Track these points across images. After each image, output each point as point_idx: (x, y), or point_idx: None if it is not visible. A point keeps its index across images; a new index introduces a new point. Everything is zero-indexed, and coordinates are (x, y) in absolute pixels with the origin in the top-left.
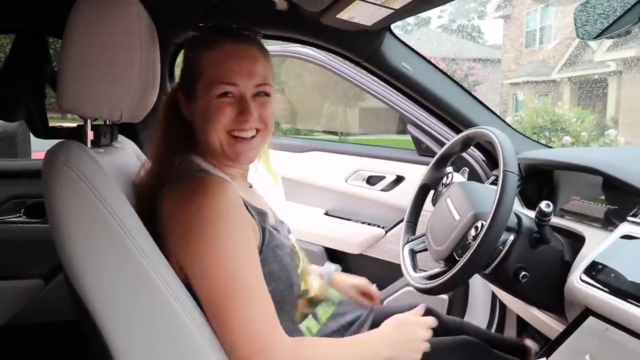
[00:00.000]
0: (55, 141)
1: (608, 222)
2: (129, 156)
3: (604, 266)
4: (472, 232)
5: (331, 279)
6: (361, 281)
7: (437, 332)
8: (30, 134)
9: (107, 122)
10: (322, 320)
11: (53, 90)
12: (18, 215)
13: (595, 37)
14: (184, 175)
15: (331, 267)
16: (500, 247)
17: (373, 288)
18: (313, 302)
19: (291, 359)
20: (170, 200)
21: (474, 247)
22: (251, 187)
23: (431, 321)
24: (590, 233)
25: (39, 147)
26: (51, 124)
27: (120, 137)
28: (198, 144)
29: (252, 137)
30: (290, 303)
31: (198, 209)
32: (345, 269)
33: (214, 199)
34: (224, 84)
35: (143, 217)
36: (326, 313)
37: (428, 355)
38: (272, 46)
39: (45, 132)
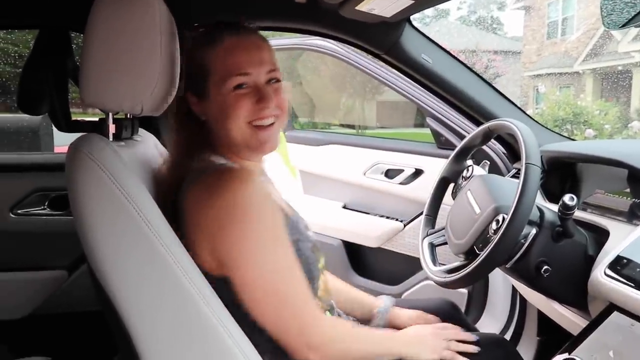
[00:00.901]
0: (77, 135)
1: (633, 216)
2: (150, 149)
3: (629, 261)
4: (493, 225)
5: (389, 313)
6: (417, 314)
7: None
8: (54, 128)
9: (128, 116)
10: None
11: (75, 85)
12: (42, 207)
13: (622, 27)
14: (206, 169)
15: (388, 301)
16: (522, 241)
17: (431, 317)
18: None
19: (329, 334)
20: (198, 193)
21: (495, 241)
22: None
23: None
24: (614, 227)
25: (62, 141)
26: (74, 118)
27: (141, 131)
28: (214, 141)
29: (272, 124)
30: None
31: (234, 196)
32: (364, 263)
33: (247, 188)
34: (237, 76)
35: (164, 213)
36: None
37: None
38: (290, 39)
39: (68, 126)
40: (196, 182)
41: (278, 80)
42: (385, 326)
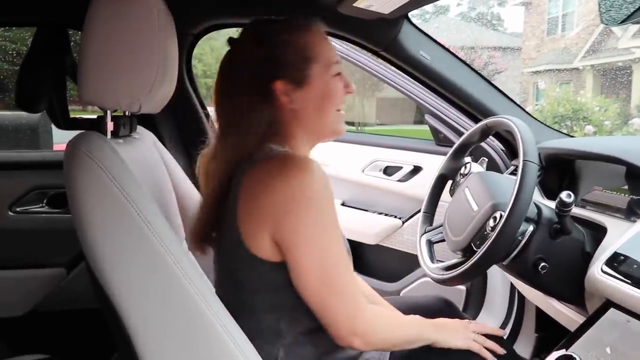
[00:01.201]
0: (76, 133)
1: (631, 213)
2: (148, 146)
3: (626, 257)
4: (491, 222)
5: None
6: None
7: None
8: (52, 125)
9: (127, 113)
10: None
11: (74, 82)
12: (41, 205)
13: (620, 23)
14: (267, 155)
15: None
16: (520, 237)
17: None
18: None
19: (373, 322)
20: (258, 178)
21: (493, 238)
22: None
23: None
24: (612, 224)
25: (60, 139)
26: (72, 115)
27: (139, 128)
28: (285, 133)
29: None
30: None
31: (298, 184)
32: (362, 260)
33: (310, 175)
34: (336, 64)
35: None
36: None
37: (450, 348)
38: None
39: (66, 123)
40: (255, 166)
41: None
42: None
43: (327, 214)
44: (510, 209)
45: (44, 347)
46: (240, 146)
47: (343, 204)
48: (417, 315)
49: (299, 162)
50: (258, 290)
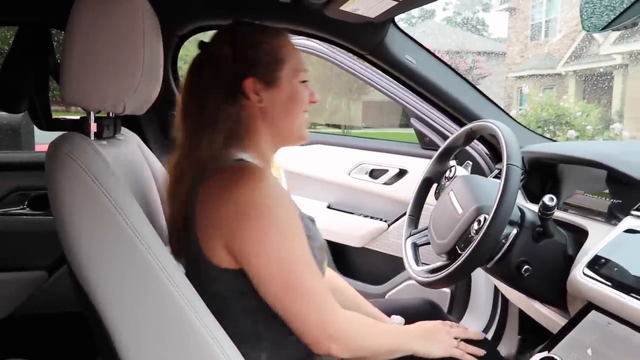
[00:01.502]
0: (58, 134)
1: (612, 216)
2: (132, 148)
3: (607, 260)
4: (475, 225)
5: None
6: None
7: None
8: (34, 126)
9: (111, 115)
10: None
11: (56, 83)
12: (22, 207)
13: (602, 30)
14: (225, 164)
15: (399, 321)
16: (503, 240)
17: None
18: None
19: (349, 327)
20: (214, 189)
21: (477, 241)
22: None
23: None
24: (593, 227)
25: (43, 140)
26: (55, 116)
27: (124, 130)
28: (252, 132)
29: None
30: None
31: (252, 191)
32: (348, 262)
33: (265, 184)
34: (304, 70)
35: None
36: None
37: None
38: None
39: (49, 124)
40: (212, 177)
41: None
42: None
43: (283, 221)
44: (495, 212)
45: (25, 351)
46: (205, 148)
47: (329, 207)
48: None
49: (252, 173)
50: (228, 297)
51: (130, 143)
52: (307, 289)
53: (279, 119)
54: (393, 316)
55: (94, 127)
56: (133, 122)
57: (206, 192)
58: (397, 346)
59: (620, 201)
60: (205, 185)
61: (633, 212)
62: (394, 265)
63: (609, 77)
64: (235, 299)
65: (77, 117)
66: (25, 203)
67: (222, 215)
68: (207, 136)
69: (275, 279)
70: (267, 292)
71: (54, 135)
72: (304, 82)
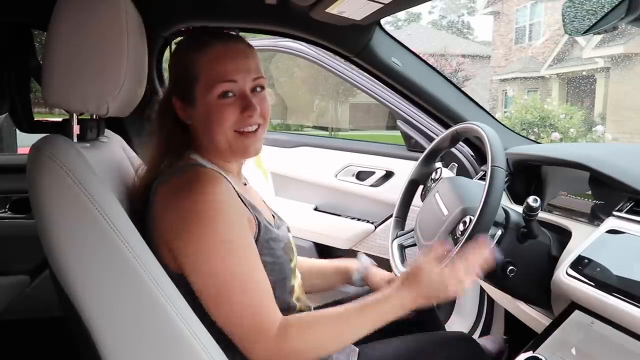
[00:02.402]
0: (41, 136)
1: (594, 217)
2: (116, 150)
3: (590, 260)
4: (460, 226)
5: (367, 272)
6: (391, 275)
7: (428, 326)
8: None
9: (94, 117)
10: None
11: (38, 84)
12: (3, 210)
13: (584, 33)
14: (179, 168)
15: (367, 261)
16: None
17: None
18: (300, 300)
19: (280, 346)
20: (165, 191)
21: (463, 242)
22: (246, 184)
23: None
24: (577, 228)
25: (26, 142)
26: (38, 118)
27: (107, 132)
28: (196, 143)
29: (256, 130)
30: (282, 297)
31: (195, 199)
32: None
33: (211, 190)
34: (223, 82)
35: (134, 211)
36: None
37: (420, 349)
38: (261, 40)
39: (30, 126)
40: (168, 180)
41: (263, 88)
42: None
43: (220, 233)
44: (479, 213)
45: (6, 357)
46: (158, 158)
47: (316, 209)
48: (371, 296)
49: (202, 178)
50: (193, 307)
51: (114, 145)
52: (241, 306)
53: (204, 136)
54: (362, 257)
55: (76, 129)
56: (117, 124)
57: (160, 197)
58: (378, 318)
59: (603, 202)
60: (159, 190)
61: (615, 213)
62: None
63: (591, 80)
64: (194, 301)
65: (60, 119)
66: (7, 206)
67: (167, 220)
68: (156, 153)
69: (207, 290)
70: (203, 302)
71: (37, 137)
72: (224, 95)
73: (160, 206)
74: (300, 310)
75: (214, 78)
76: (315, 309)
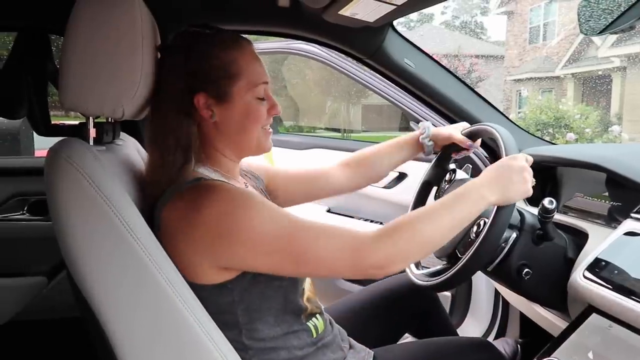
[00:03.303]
0: (59, 139)
1: (611, 219)
2: (131, 153)
3: (608, 263)
4: (475, 229)
5: (434, 137)
6: (455, 128)
7: (436, 331)
8: (34, 131)
9: (110, 120)
10: (322, 327)
11: (55, 88)
12: (21, 212)
13: (599, 33)
14: (184, 186)
15: (428, 125)
16: (503, 244)
17: (461, 138)
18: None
19: (379, 248)
20: (179, 211)
21: (477, 244)
22: (247, 185)
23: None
24: (593, 230)
25: (42, 145)
26: (54, 121)
27: (123, 135)
28: (208, 147)
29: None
30: (294, 300)
31: (216, 208)
32: None
33: (223, 191)
34: (262, 84)
35: (148, 213)
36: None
37: (438, 354)
38: (274, 43)
39: (47, 130)
40: (173, 199)
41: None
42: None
43: (255, 212)
44: (494, 215)
45: (25, 357)
46: (165, 166)
47: (329, 211)
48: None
49: (208, 190)
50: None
51: (129, 148)
52: (318, 254)
53: (234, 134)
54: (422, 122)
55: (93, 132)
56: (132, 127)
57: (172, 213)
58: (462, 216)
59: (620, 204)
60: (170, 207)
61: (633, 215)
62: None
63: (607, 79)
64: (214, 314)
65: (77, 122)
66: (25, 208)
67: (200, 234)
68: (164, 154)
69: (287, 258)
70: (288, 275)
71: (53, 141)
72: (262, 98)
73: (179, 225)
74: (311, 312)
75: (256, 79)
76: (325, 310)
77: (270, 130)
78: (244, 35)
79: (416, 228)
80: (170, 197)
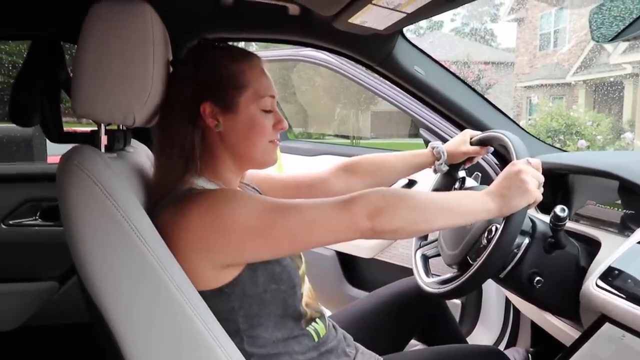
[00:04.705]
0: (71, 146)
1: (624, 227)
2: (142, 160)
3: (621, 272)
4: (486, 235)
5: (444, 152)
6: (464, 136)
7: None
8: (46, 138)
9: (121, 127)
10: (323, 331)
11: (68, 96)
12: (33, 218)
13: (611, 40)
14: (178, 195)
15: (441, 147)
16: (515, 250)
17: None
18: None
19: (370, 196)
20: (174, 216)
21: (489, 250)
22: None
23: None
24: (606, 238)
25: (55, 152)
26: (66, 128)
27: (134, 142)
28: (210, 156)
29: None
30: (293, 305)
31: (212, 203)
32: (357, 273)
33: (213, 192)
34: (269, 97)
35: None
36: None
37: None
38: (283, 50)
39: (60, 137)
40: (166, 207)
41: (277, 104)
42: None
43: (239, 202)
44: (506, 220)
45: None
46: (167, 172)
47: None
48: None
49: (195, 195)
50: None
51: (140, 155)
52: (309, 219)
53: (238, 145)
54: (432, 142)
55: (104, 139)
56: (143, 134)
57: (162, 226)
58: (459, 209)
59: (633, 212)
60: (160, 218)
61: None
62: (404, 276)
63: (619, 86)
64: (223, 320)
65: (88, 130)
66: (38, 214)
67: (200, 236)
68: (167, 160)
69: (279, 240)
70: (286, 253)
71: (65, 147)
72: (269, 111)
73: (174, 235)
74: (311, 317)
75: (262, 91)
76: (332, 316)
77: (278, 143)
78: (253, 52)
79: (411, 193)
80: (164, 206)
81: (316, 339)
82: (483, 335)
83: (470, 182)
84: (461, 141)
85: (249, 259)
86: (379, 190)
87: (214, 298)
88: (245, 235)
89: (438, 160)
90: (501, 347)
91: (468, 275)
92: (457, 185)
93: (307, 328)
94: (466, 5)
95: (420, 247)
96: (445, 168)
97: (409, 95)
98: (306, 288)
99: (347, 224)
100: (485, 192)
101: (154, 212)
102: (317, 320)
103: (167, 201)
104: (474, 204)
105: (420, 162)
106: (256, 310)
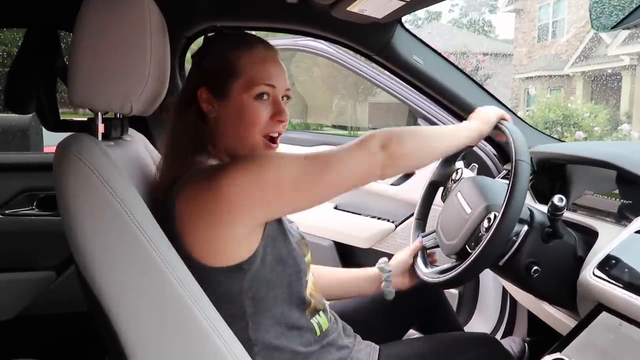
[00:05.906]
0: (66, 135)
1: (622, 217)
2: (139, 149)
3: (618, 261)
4: (485, 223)
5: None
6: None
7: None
8: (43, 127)
9: (118, 116)
10: (325, 325)
11: (64, 84)
12: (30, 207)
13: (611, 29)
14: (191, 173)
15: (386, 267)
16: (514, 237)
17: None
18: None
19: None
20: (193, 191)
21: (488, 237)
22: None
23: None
24: (603, 228)
25: (52, 141)
26: (63, 117)
27: (131, 131)
28: (216, 140)
29: (278, 136)
30: (298, 291)
31: (260, 165)
32: (355, 263)
33: (265, 153)
34: (263, 85)
35: (155, 207)
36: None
37: (443, 349)
38: (282, 40)
39: (56, 125)
40: (190, 181)
41: (289, 99)
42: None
43: (273, 157)
44: (505, 206)
45: (33, 351)
46: (175, 156)
47: (336, 208)
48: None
49: (240, 157)
50: (216, 302)
51: (137, 144)
52: (341, 163)
53: (229, 133)
54: (380, 261)
55: (101, 128)
56: (140, 123)
57: (187, 195)
58: (453, 139)
59: (631, 202)
60: (186, 189)
61: None
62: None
63: (617, 78)
64: (223, 303)
65: (85, 119)
66: (34, 204)
67: (225, 201)
68: (174, 145)
69: (320, 187)
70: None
71: (62, 136)
72: (260, 96)
73: (194, 203)
74: (315, 308)
75: (256, 78)
76: (331, 305)
77: (277, 144)
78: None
79: (411, 127)
80: (183, 185)
81: (318, 333)
82: (480, 324)
83: (467, 173)
84: (407, 261)
85: (289, 212)
86: (382, 129)
87: (228, 277)
88: (290, 188)
89: (385, 284)
90: (498, 336)
91: (467, 263)
92: (454, 176)
93: (311, 321)
94: None
95: (418, 238)
96: (389, 289)
97: (407, 86)
98: (310, 279)
99: (369, 161)
100: (464, 122)
101: (170, 196)
102: (321, 313)
103: (183, 181)
104: (462, 129)
105: (370, 282)
106: (263, 292)
